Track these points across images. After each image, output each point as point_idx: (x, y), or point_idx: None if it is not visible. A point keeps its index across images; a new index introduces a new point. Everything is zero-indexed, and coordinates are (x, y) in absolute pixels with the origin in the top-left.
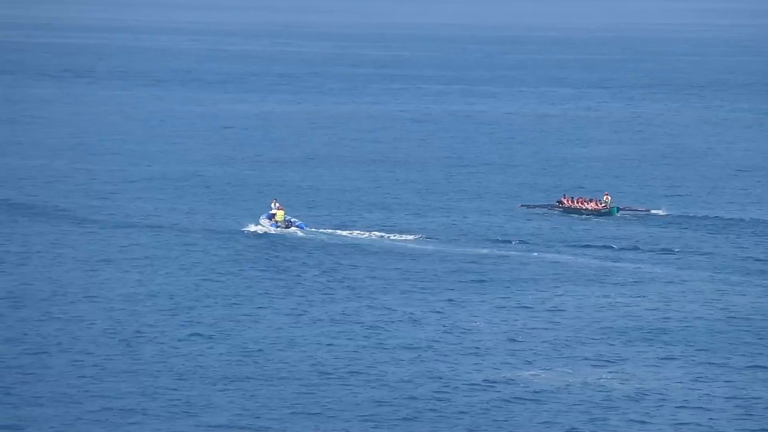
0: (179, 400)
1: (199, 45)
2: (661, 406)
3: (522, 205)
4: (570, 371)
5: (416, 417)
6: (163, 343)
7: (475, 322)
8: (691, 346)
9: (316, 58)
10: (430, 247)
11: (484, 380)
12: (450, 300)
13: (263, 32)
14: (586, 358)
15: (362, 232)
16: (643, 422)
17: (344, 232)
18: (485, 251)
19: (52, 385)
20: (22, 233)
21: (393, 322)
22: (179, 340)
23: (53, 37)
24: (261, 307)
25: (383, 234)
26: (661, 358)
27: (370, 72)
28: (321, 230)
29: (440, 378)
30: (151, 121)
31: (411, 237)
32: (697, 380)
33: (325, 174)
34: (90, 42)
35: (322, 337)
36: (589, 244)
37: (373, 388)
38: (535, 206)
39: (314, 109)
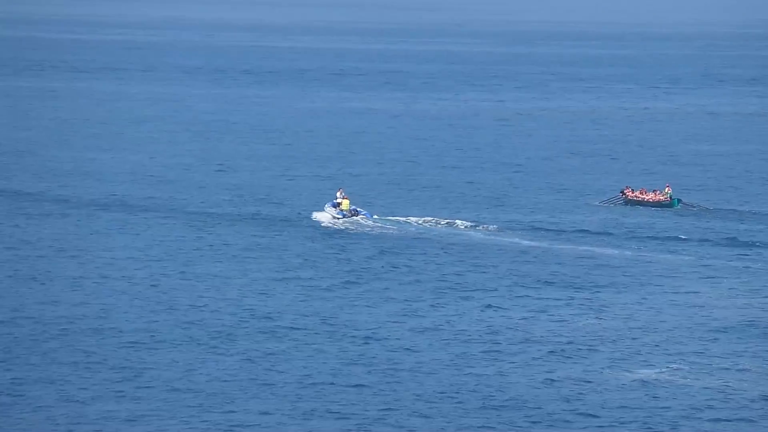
0: (262, 389)
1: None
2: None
3: (601, 202)
4: (680, 369)
5: (509, 416)
6: (238, 334)
7: (562, 319)
8: None
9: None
10: (496, 239)
11: (587, 379)
12: (523, 295)
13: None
14: (686, 355)
15: (429, 221)
16: (751, 421)
17: (410, 219)
18: (556, 245)
19: (155, 378)
20: (127, 226)
21: (462, 314)
22: (258, 331)
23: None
24: (333, 297)
25: (452, 223)
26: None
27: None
28: (387, 218)
29: (537, 375)
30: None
31: (478, 227)
32: None
33: (397, 165)
34: (232, 43)
35: (402, 331)
36: (655, 236)
37: (466, 385)
38: (608, 201)
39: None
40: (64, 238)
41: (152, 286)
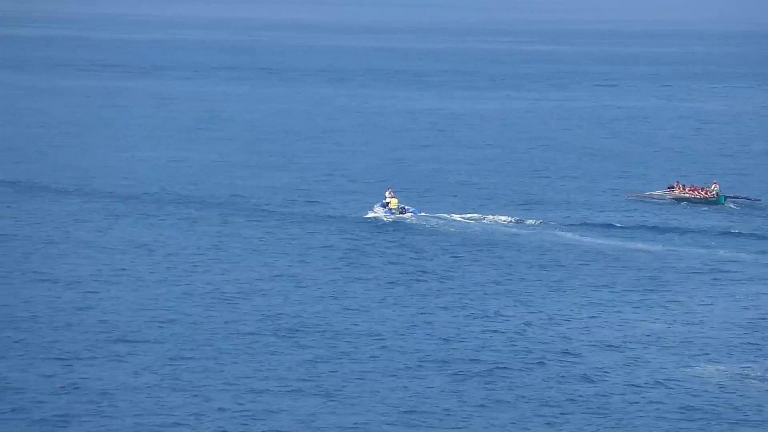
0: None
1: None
2: None
3: (632, 195)
4: (751, 368)
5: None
6: (286, 334)
7: (628, 319)
8: None
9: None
10: (542, 233)
11: (658, 379)
12: (587, 294)
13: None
14: (750, 353)
15: (476, 217)
16: None
17: (457, 216)
18: (604, 242)
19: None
20: (194, 224)
21: (531, 314)
22: (302, 328)
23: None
24: (386, 295)
25: (500, 220)
26: None
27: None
28: (435, 215)
29: (591, 374)
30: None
31: (528, 224)
32: None
33: (443, 162)
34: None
35: (450, 328)
36: (707, 232)
37: (528, 385)
38: (644, 195)
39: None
40: (138, 237)
41: (208, 284)
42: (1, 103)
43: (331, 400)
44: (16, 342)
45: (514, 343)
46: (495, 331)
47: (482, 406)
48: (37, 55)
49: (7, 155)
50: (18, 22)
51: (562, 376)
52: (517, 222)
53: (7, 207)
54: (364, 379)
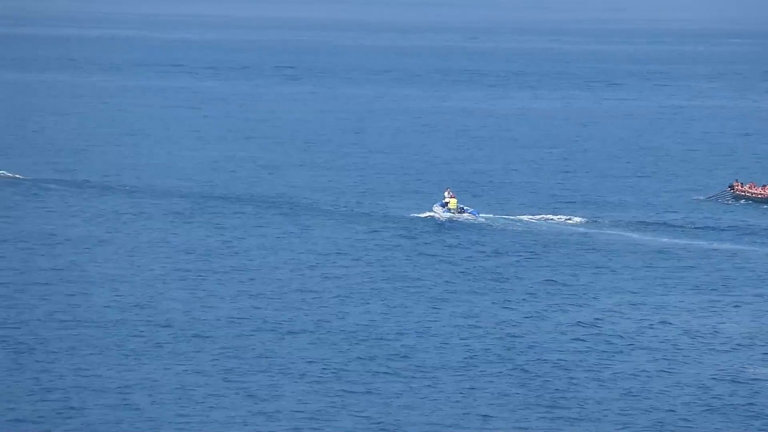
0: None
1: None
2: None
3: (702, 198)
4: None
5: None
6: (341, 333)
7: (685, 316)
8: None
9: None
10: (604, 234)
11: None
12: (653, 294)
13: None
14: None
15: (536, 218)
16: None
17: (517, 217)
18: (666, 240)
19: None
20: (258, 226)
21: (571, 308)
22: (359, 327)
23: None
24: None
25: (559, 219)
26: None
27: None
28: (493, 215)
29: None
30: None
31: (588, 224)
32: None
33: (504, 162)
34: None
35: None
36: (765, 231)
37: (601, 386)
38: (716, 196)
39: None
40: (204, 237)
41: (269, 283)
42: (71, 103)
43: (398, 397)
44: (83, 339)
45: (581, 343)
46: (559, 332)
47: (550, 405)
48: (121, 57)
49: (79, 156)
50: (103, 24)
51: (631, 375)
52: (577, 223)
53: (71, 206)
54: (427, 377)
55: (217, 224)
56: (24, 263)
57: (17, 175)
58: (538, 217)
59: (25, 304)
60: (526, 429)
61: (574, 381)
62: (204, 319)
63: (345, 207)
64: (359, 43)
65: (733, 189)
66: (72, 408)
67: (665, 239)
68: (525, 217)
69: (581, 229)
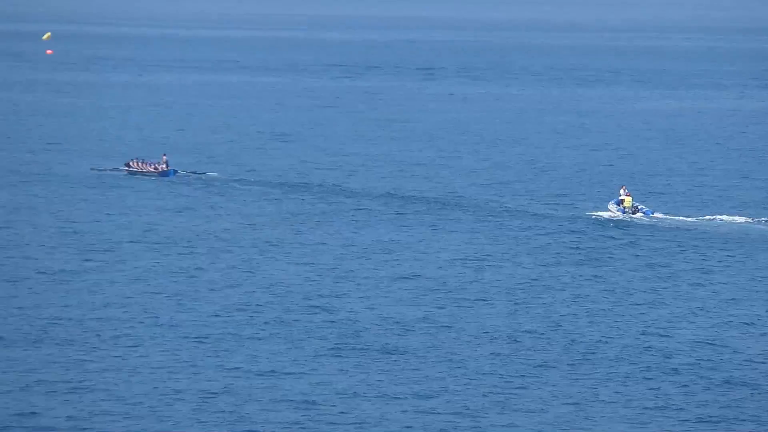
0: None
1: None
2: None
3: None
4: None
5: None
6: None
7: None
8: None
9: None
10: None
11: None
12: None
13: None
14: None
15: (714, 218)
16: None
17: (691, 219)
18: None
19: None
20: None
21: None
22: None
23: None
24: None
25: (738, 221)
26: None
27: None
28: (668, 216)
29: None
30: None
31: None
32: None
33: (677, 161)
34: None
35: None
36: None
37: None
38: None
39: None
40: (352, 234)
41: (434, 282)
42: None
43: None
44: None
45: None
46: (744, 339)
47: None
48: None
49: (229, 157)
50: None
51: None
52: (764, 222)
53: (221, 206)
54: (605, 386)
55: (364, 222)
56: (211, 263)
57: (210, 174)
58: (716, 217)
59: (217, 302)
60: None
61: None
62: (370, 321)
63: (520, 204)
64: (538, 42)
65: None
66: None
67: None
68: (701, 218)
69: (760, 229)
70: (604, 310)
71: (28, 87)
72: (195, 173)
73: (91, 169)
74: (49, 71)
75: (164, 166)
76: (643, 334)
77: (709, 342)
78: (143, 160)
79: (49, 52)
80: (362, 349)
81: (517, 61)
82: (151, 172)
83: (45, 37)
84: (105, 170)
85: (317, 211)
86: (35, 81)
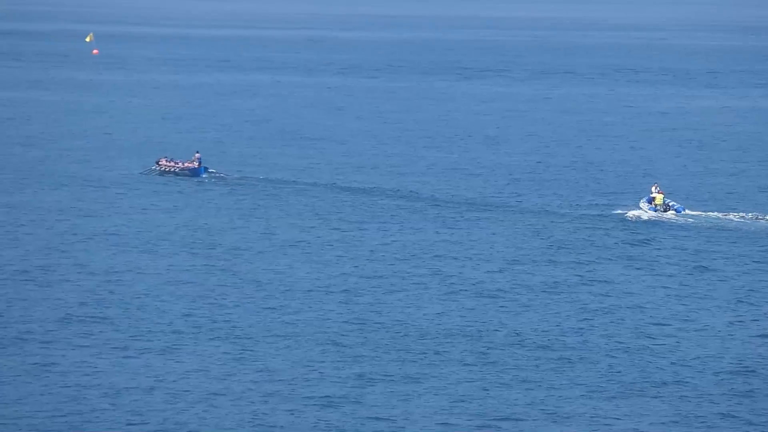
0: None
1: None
2: None
3: None
4: None
5: None
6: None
7: None
8: None
9: None
10: None
11: None
12: None
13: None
14: None
15: (746, 216)
16: None
17: (723, 216)
18: None
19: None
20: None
21: None
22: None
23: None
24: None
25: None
26: None
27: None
28: (699, 213)
29: None
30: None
31: None
32: None
33: (709, 160)
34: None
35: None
36: None
37: None
38: None
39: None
40: (397, 237)
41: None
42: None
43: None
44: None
45: None
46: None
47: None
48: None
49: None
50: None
51: None
52: None
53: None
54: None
55: (412, 225)
56: (250, 264)
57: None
58: (749, 216)
59: (258, 303)
60: None
61: None
62: (417, 323)
63: (550, 205)
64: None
65: None
66: None
67: None
68: (733, 216)
69: None
70: (642, 308)
71: (89, 87)
72: (223, 175)
73: (140, 173)
74: (100, 71)
75: (196, 164)
76: (679, 330)
77: (751, 340)
78: (173, 158)
79: (95, 52)
80: (403, 350)
81: (553, 60)
82: (183, 169)
83: (88, 38)
84: (149, 171)
85: (349, 211)
86: (90, 81)
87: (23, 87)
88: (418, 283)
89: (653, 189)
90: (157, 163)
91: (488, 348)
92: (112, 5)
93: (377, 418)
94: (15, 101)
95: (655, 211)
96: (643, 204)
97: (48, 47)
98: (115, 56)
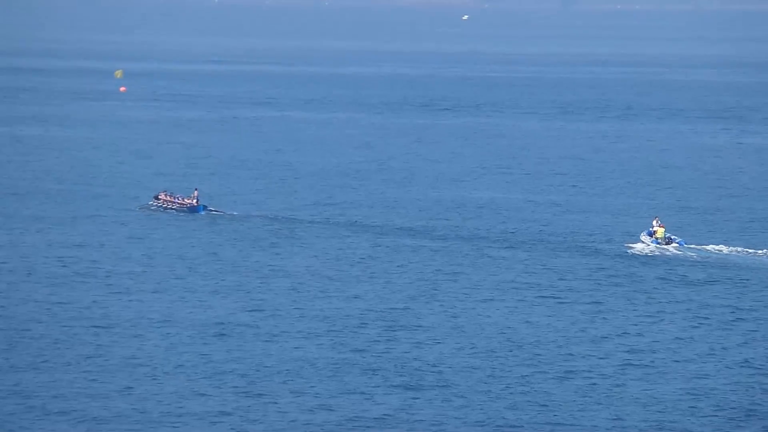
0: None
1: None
2: None
3: None
4: None
5: None
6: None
7: None
8: None
9: None
10: None
11: None
12: None
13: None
14: None
15: (744, 250)
16: None
17: (727, 250)
18: None
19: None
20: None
21: None
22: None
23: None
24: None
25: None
26: None
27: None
28: (701, 247)
29: None
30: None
31: None
32: None
33: (705, 195)
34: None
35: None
36: None
37: None
38: None
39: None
40: (430, 272)
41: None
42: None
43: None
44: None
45: None
46: None
47: None
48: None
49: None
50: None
51: None
52: None
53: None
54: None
55: (439, 257)
56: (275, 297)
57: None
58: (750, 251)
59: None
60: None
61: None
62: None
63: (553, 238)
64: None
65: None
66: None
67: None
68: (735, 250)
69: None
70: (642, 341)
71: (122, 124)
72: (223, 212)
73: (140, 207)
74: (128, 108)
75: (195, 201)
76: (676, 361)
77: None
78: (172, 193)
79: (122, 89)
80: (413, 388)
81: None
82: (181, 205)
83: (117, 74)
84: (149, 206)
85: (352, 248)
86: (120, 118)
87: (49, 123)
88: (425, 319)
89: (654, 222)
90: (156, 197)
91: (490, 381)
92: (143, 41)
93: None
94: (42, 138)
95: (657, 244)
96: (645, 237)
97: (75, 84)
98: (145, 92)
